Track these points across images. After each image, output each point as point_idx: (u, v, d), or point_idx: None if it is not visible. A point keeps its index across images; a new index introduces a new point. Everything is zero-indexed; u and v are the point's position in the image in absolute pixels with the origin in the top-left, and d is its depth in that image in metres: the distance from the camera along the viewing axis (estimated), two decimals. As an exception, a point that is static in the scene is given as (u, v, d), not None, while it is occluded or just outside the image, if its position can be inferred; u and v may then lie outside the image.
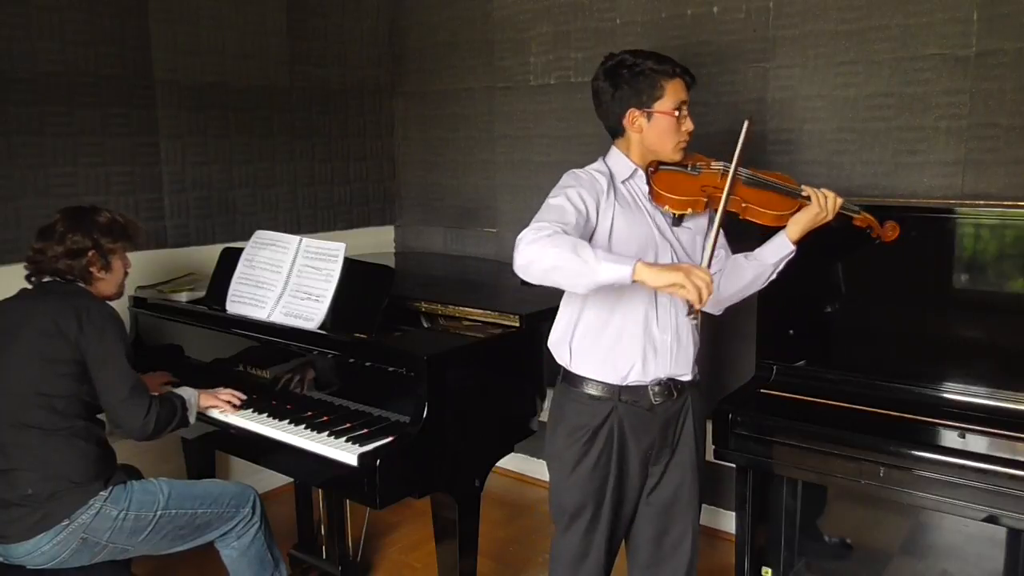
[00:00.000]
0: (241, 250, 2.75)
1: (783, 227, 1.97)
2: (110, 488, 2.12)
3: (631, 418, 1.94)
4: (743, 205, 1.94)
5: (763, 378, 2.52)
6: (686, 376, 1.98)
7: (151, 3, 3.11)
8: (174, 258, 3.20)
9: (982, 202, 2.32)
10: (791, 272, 2.48)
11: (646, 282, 1.62)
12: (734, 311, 2.89)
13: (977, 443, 2.09)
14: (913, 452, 2.07)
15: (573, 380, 1.98)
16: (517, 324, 2.45)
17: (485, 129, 3.71)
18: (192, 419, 2.32)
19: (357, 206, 3.95)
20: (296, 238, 2.64)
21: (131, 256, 2.38)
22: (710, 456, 2.40)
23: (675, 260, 1.93)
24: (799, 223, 1.95)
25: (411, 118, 4.01)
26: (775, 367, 2.52)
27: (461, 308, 2.57)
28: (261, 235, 2.74)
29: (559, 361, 2.01)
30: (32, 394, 2.07)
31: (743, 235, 2.09)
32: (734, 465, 2.38)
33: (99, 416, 2.21)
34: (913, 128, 2.61)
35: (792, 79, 2.81)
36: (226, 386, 2.49)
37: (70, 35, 2.90)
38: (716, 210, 1.87)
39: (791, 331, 2.52)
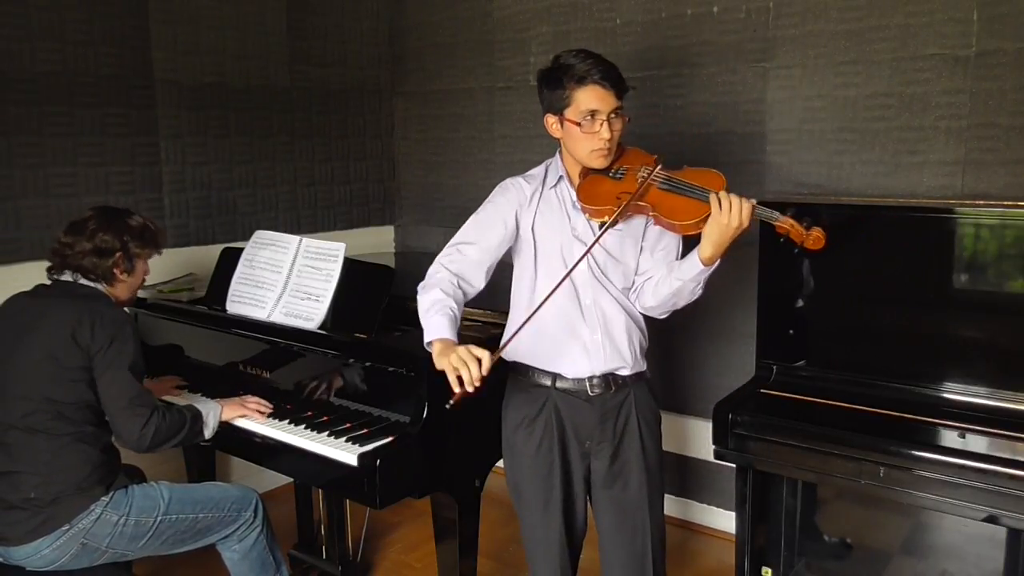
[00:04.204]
0: (241, 250, 2.75)
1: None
2: (111, 493, 2.10)
3: (567, 407, 1.96)
4: (652, 213, 1.84)
5: (763, 378, 2.51)
6: (625, 370, 1.97)
7: (151, 3, 3.11)
8: (174, 258, 3.20)
9: (982, 202, 2.32)
10: (792, 273, 2.46)
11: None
12: (734, 311, 2.90)
13: (977, 443, 2.09)
14: (913, 452, 2.07)
15: (516, 368, 2.03)
16: (517, 324, 2.45)
17: (485, 129, 3.71)
18: (208, 434, 2.27)
19: (357, 206, 3.95)
20: (296, 238, 2.64)
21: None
22: (710, 456, 2.40)
23: (588, 260, 1.88)
24: (709, 237, 1.75)
25: (411, 118, 4.00)
26: (775, 367, 2.52)
27: (461, 308, 2.57)
28: (261, 235, 2.74)
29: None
30: (41, 399, 2.04)
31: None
32: (734, 465, 2.38)
33: (107, 419, 2.18)
34: (913, 128, 2.60)
35: (792, 79, 2.81)
36: (226, 386, 2.48)
37: (70, 35, 2.90)
38: (645, 216, 1.88)
39: (791, 331, 2.52)
